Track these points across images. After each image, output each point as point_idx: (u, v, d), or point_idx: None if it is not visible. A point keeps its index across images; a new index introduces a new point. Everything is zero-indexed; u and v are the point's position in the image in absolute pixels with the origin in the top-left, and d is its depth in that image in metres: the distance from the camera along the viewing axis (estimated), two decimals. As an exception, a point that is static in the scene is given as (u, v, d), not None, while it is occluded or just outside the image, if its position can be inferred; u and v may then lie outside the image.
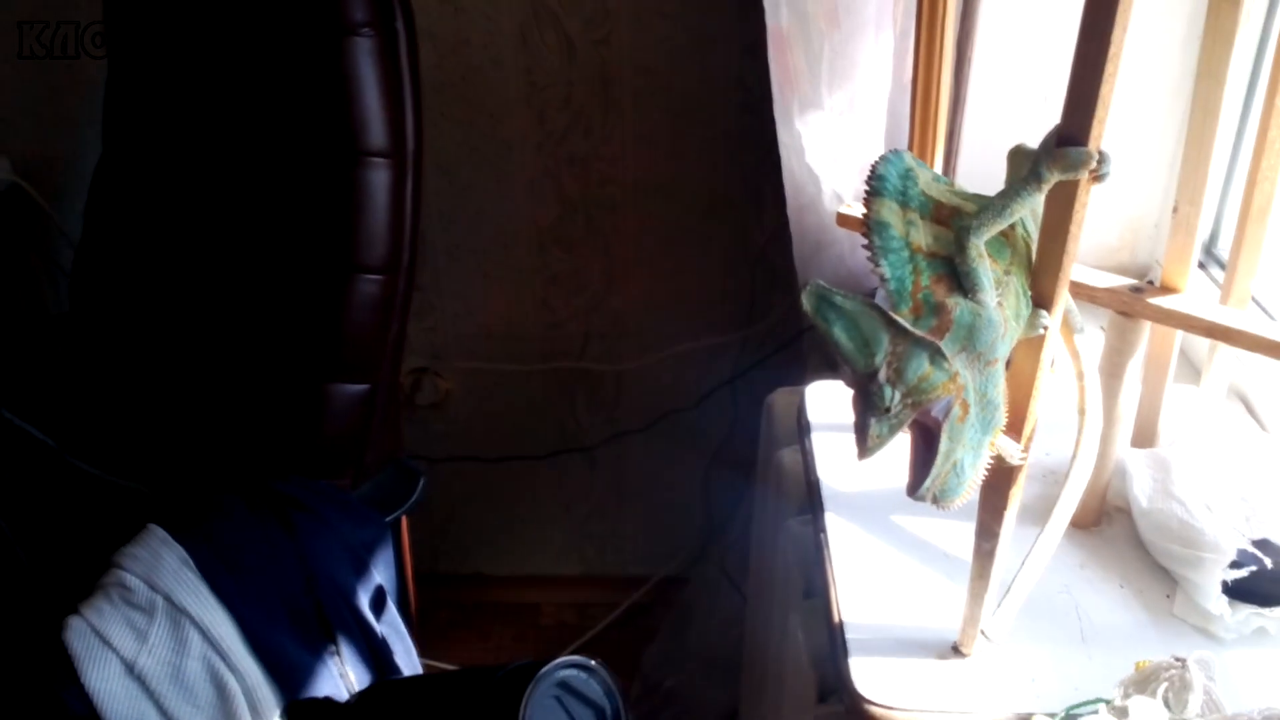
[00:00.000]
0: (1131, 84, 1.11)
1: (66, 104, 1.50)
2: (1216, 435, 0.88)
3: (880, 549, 0.87)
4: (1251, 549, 0.78)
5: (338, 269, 1.08)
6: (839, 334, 0.57)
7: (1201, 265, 1.13)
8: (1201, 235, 1.16)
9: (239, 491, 1.07)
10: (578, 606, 1.89)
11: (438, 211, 1.60)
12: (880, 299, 0.59)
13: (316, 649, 1.03)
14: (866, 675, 0.76)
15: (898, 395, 0.56)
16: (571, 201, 1.61)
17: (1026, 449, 0.67)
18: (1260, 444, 0.90)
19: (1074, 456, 0.77)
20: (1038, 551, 0.75)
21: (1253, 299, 1.01)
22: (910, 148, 0.83)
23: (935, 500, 0.58)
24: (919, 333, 0.57)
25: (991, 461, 0.61)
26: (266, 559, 1.04)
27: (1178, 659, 0.68)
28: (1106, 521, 0.88)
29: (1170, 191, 1.12)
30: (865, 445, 0.57)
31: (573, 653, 1.73)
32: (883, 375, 0.56)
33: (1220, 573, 0.77)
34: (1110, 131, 1.04)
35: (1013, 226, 0.64)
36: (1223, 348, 0.91)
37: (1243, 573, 0.77)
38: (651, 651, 1.72)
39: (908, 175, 0.63)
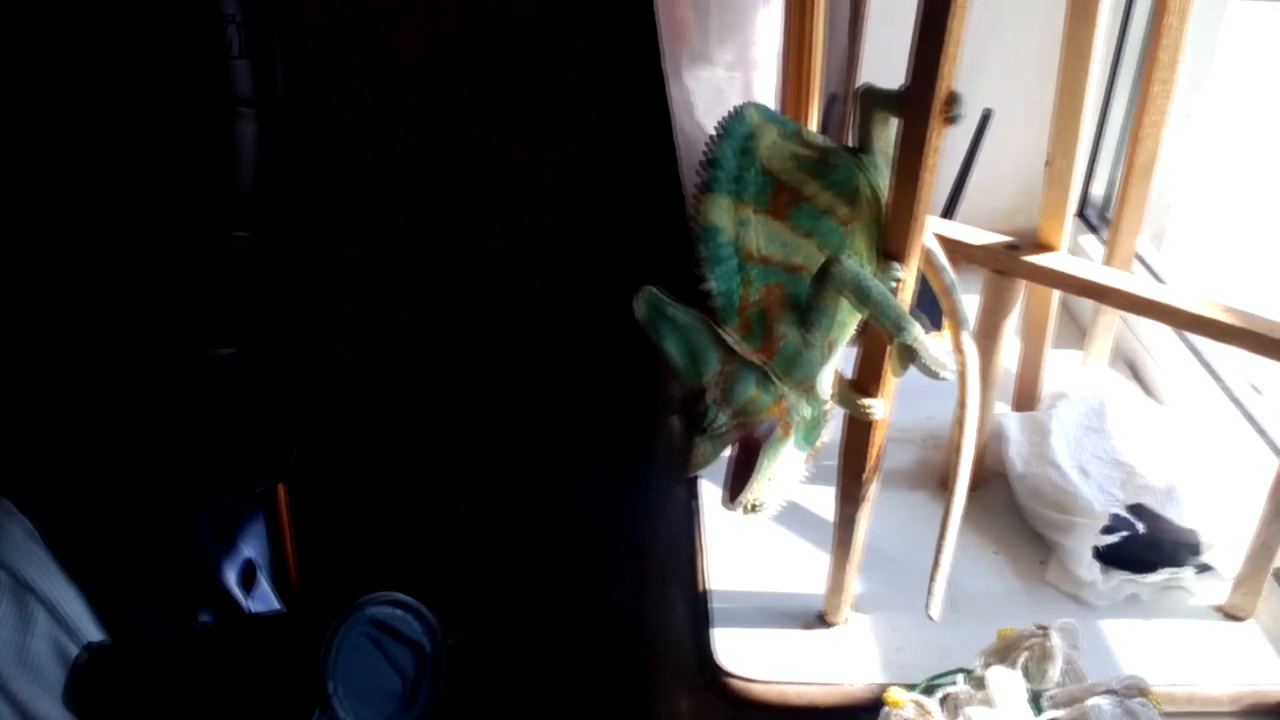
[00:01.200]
0: (1021, 42, 1.09)
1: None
2: (1098, 399, 0.86)
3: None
4: (1125, 514, 0.77)
5: (201, 226, 1.02)
6: (670, 348, 0.55)
7: (1094, 229, 1.11)
8: (1094, 197, 1.15)
9: (97, 462, 1.02)
10: (488, 578, 1.84)
11: (336, 173, 1.54)
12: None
13: (177, 625, 0.98)
14: (729, 646, 0.73)
15: (724, 416, 0.55)
16: (474, 164, 1.55)
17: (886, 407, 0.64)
18: (1142, 409, 0.88)
19: (959, 421, 0.74)
20: (950, 524, 0.70)
21: (1141, 261, 1.00)
22: (784, 109, 0.79)
23: (748, 510, 0.57)
24: (747, 355, 0.55)
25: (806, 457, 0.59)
26: (123, 531, 0.99)
27: (1040, 627, 0.65)
28: (984, 486, 0.86)
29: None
30: (691, 461, 0.55)
31: (481, 624, 1.70)
32: (710, 395, 0.55)
33: (1093, 538, 0.75)
34: (998, 90, 1.02)
35: (857, 188, 0.61)
36: (1106, 310, 0.89)
37: (1115, 538, 0.75)
38: (561, 624, 1.69)
39: (748, 149, 0.59)
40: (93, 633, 0.94)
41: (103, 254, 1.05)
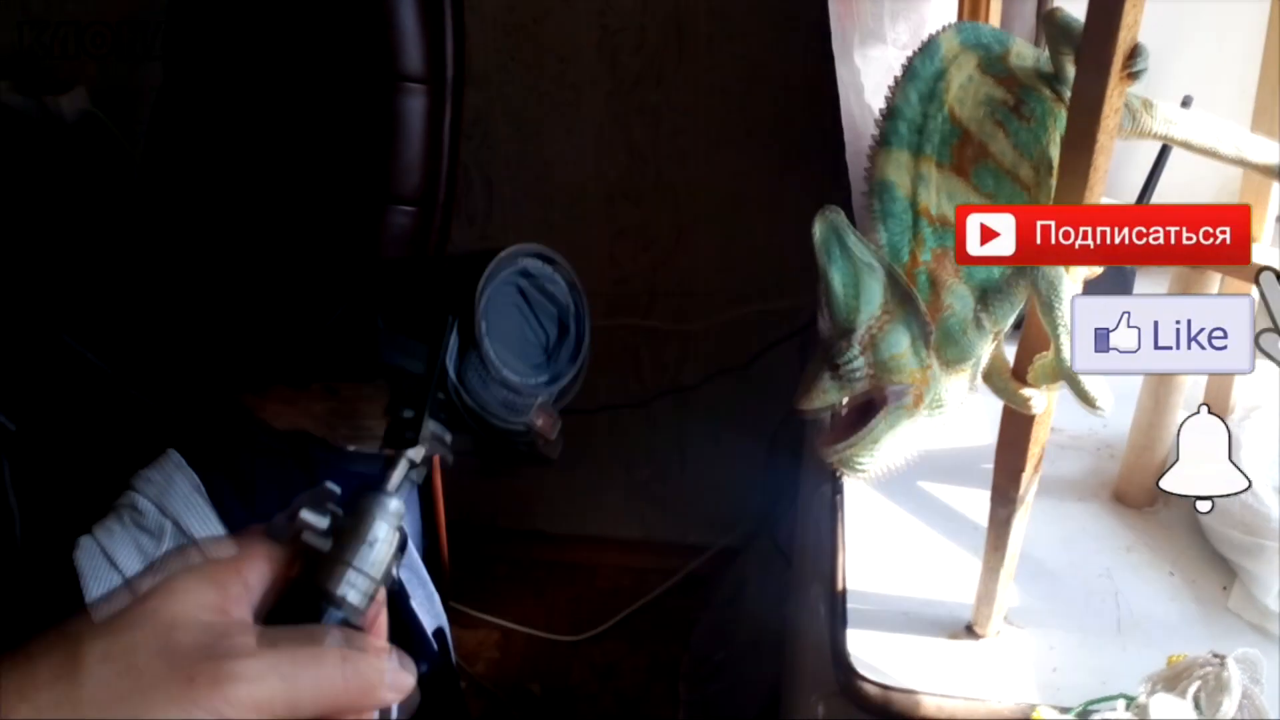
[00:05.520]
0: (1226, 19, 0.99)
1: (143, 34, 1.51)
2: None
3: (902, 516, 0.80)
4: (1325, 540, 0.68)
5: (370, 199, 1.04)
6: (835, 277, 0.52)
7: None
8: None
9: (243, 424, 1.05)
10: (635, 571, 1.83)
11: (504, 158, 1.56)
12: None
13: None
14: (865, 649, 0.69)
15: (863, 363, 0.51)
16: (641, 153, 1.54)
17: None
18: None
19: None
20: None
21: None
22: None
23: (840, 465, 0.53)
24: (922, 305, 0.51)
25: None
26: (279, 491, 1.02)
27: (1216, 655, 0.59)
28: (1163, 502, 0.79)
29: None
30: (808, 398, 0.52)
31: (626, 618, 1.69)
32: (858, 337, 0.51)
33: (1285, 564, 0.68)
34: (1199, 74, 0.93)
35: (1044, 151, 0.56)
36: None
37: (1311, 566, 0.67)
38: (704, 623, 1.67)
39: (934, 94, 0.55)
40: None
41: (267, 227, 1.09)
